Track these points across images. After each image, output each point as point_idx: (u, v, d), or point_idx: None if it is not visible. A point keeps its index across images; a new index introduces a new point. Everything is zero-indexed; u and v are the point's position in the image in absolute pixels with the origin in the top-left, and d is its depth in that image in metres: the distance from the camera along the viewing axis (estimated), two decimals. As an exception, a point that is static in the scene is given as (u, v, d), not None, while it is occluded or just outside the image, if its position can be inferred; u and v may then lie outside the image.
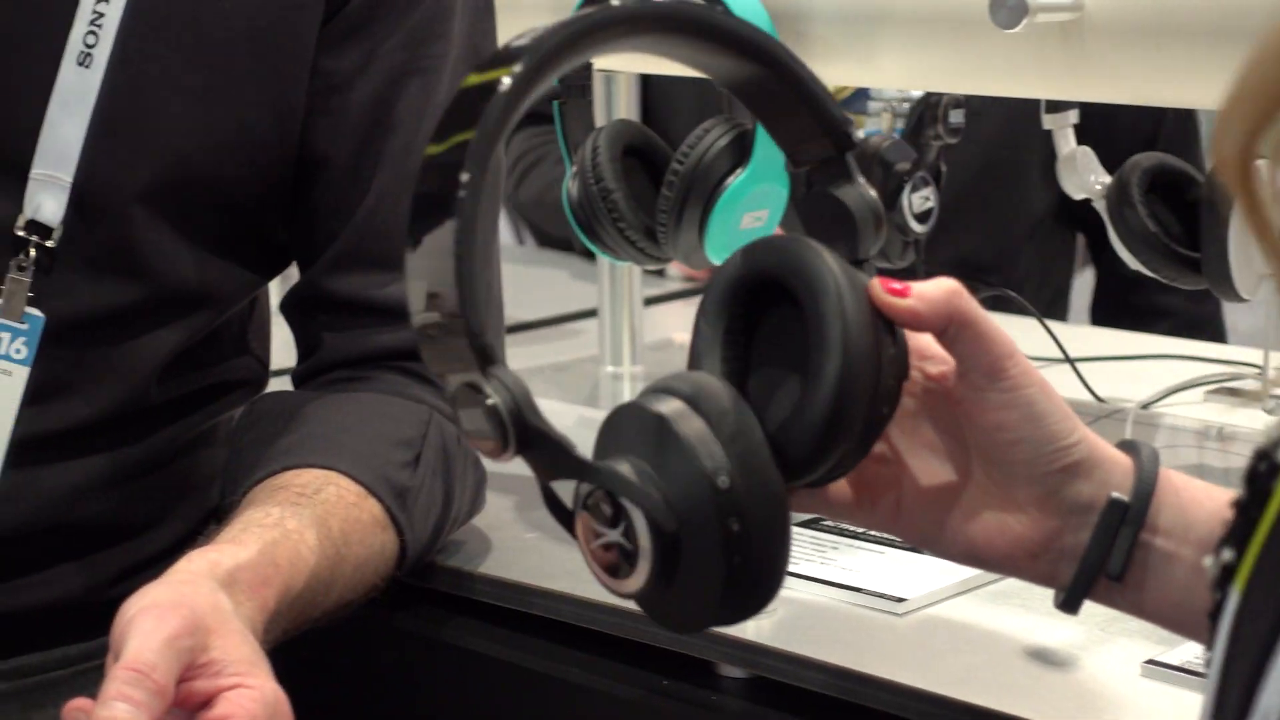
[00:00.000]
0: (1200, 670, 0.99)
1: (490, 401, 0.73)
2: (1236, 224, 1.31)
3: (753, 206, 1.32)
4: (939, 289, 0.81)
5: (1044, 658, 1.12)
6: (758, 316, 0.83)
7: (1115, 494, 0.82)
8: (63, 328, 1.19)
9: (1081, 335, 1.79)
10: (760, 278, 0.82)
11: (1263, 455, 0.66)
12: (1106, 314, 2.37)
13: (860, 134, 1.47)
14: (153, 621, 0.94)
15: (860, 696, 1.08)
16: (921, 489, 0.85)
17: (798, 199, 0.86)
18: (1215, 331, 2.32)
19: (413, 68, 1.26)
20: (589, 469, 0.76)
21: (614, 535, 0.76)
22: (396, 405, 1.24)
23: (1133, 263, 1.39)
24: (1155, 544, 0.83)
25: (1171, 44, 1.16)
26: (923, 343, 0.83)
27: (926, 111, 1.44)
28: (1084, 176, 1.43)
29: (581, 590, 1.21)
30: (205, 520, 1.31)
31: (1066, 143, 1.43)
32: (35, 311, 1.18)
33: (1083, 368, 1.61)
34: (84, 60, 1.17)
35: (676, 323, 1.96)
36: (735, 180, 1.31)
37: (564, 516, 0.77)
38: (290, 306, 1.31)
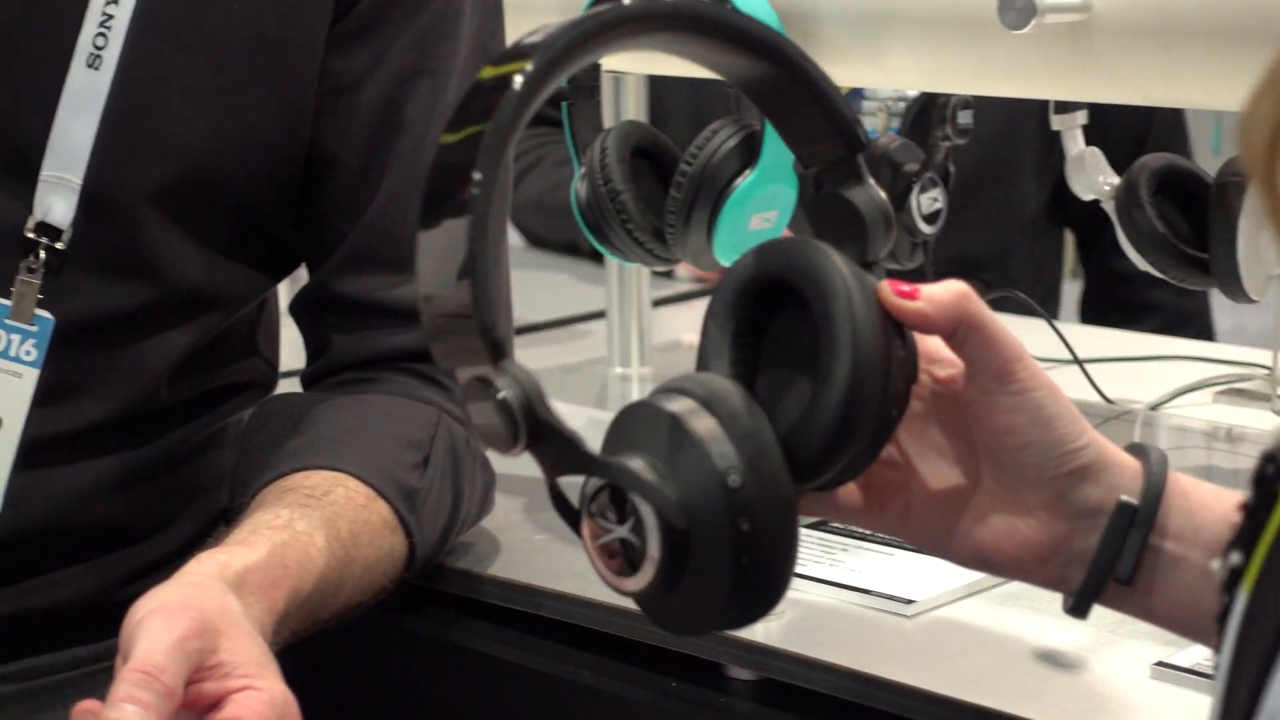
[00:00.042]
0: (1209, 672, 0.98)
1: (501, 395, 0.72)
2: (1245, 225, 1.31)
3: (761, 208, 1.32)
4: (948, 292, 0.81)
5: (1053, 660, 1.12)
6: (766, 318, 0.82)
7: (1124, 497, 0.82)
8: (72, 330, 1.19)
9: (1087, 336, 1.78)
10: (769, 280, 0.81)
11: (1270, 458, 0.66)
12: (1096, 311, 2.37)
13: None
14: (162, 623, 0.94)
15: (869, 699, 1.08)
16: (930, 493, 0.84)
17: (806, 200, 0.85)
18: (1203, 327, 2.33)
19: (422, 68, 1.26)
20: (600, 464, 0.75)
21: (622, 532, 0.75)
22: (405, 407, 1.24)
23: (1141, 264, 1.39)
24: (1164, 548, 0.82)
25: (1180, 45, 1.15)
26: (931, 345, 0.83)
27: (935, 112, 1.44)
28: (1093, 177, 1.42)
29: (590, 592, 1.21)
30: (214, 522, 1.31)
31: (1075, 143, 1.42)
32: (45, 313, 1.18)
33: (1089, 368, 1.61)
34: (93, 62, 1.17)
35: (685, 324, 1.95)
36: (744, 181, 1.31)
37: (570, 512, 0.77)
38: (299, 308, 1.31)
